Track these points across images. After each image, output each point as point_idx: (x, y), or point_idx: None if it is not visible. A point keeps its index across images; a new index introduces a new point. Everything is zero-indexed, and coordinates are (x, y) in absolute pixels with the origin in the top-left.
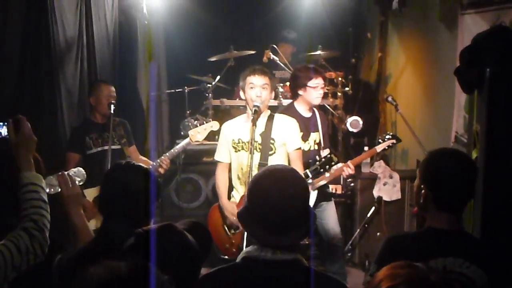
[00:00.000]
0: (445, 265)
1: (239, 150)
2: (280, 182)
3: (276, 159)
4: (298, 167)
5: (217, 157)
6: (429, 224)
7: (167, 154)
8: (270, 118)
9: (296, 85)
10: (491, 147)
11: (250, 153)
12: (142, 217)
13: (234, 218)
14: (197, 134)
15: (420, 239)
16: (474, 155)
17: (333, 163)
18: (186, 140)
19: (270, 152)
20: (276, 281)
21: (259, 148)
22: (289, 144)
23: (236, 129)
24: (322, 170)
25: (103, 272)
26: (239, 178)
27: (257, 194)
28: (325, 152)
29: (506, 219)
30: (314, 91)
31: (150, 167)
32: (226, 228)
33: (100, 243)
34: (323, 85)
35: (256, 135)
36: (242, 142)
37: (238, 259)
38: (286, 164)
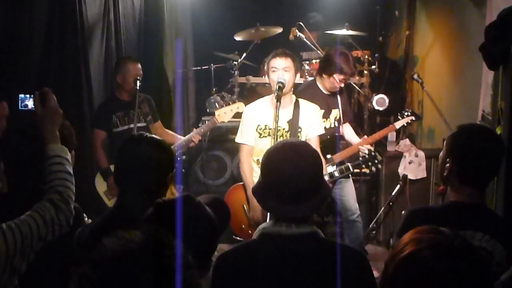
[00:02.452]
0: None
1: (264, 136)
2: (292, 154)
3: (310, 141)
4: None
5: (241, 139)
6: (451, 198)
7: (194, 131)
8: (296, 105)
9: (325, 67)
10: None
11: (275, 140)
12: (158, 189)
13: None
14: (223, 114)
15: (441, 212)
16: (498, 131)
17: (376, 161)
18: (212, 120)
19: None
20: (294, 254)
21: (286, 136)
22: (310, 129)
23: (262, 114)
24: (364, 166)
25: (117, 243)
26: (259, 163)
27: (269, 167)
28: (371, 150)
29: None
30: (336, 83)
31: (179, 141)
32: (245, 209)
33: (117, 216)
34: (346, 82)
35: (283, 122)
36: (269, 129)
37: (255, 235)
38: None
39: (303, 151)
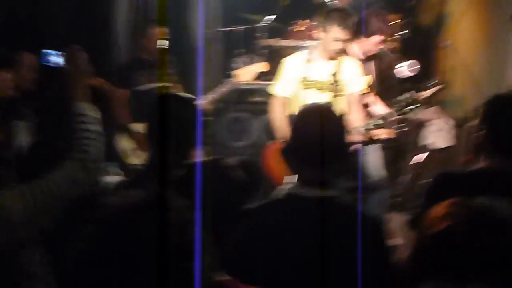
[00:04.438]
0: (492, 203)
1: (309, 88)
2: (318, 119)
3: (342, 101)
4: (357, 109)
5: (277, 90)
6: (482, 165)
7: (211, 92)
8: (340, 59)
9: (360, 29)
10: None
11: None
12: (188, 147)
13: None
14: (242, 74)
15: (469, 177)
16: None
17: (418, 104)
18: (230, 80)
19: (338, 94)
20: (316, 216)
21: (329, 89)
22: (352, 85)
23: (306, 65)
24: (409, 110)
25: (120, 201)
26: None
27: (296, 129)
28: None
29: None
30: (376, 45)
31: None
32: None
33: (149, 175)
34: (384, 44)
35: (328, 75)
36: (316, 82)
37: (281, 195)
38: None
39: (330, 116)
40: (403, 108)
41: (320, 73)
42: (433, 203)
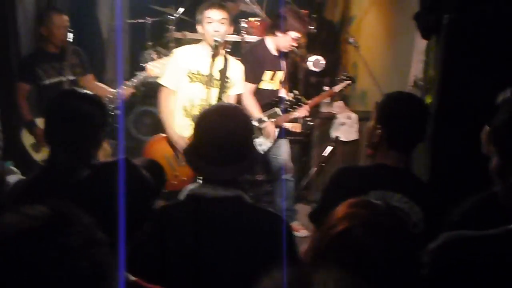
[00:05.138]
0: (384, 197)
1: (194, 82)
2: (223, 118)
3: (228, 98)
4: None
5: (165, 82)
6: (378, 161)
7: (125, 84)
8: (225, 57)
9: (277, 25)
10: (444, 93)
11: (208, 87)
12: (90, 146)
13: None
14: (155, 68)
15: (365, 172)
16: (428, 100)
17: (300, 103)
18: (144, 73)
19: (224, 90)
20: (218, 217)
21: (217, 85)
22: (235, 87)
23: (194, 59)
24: (290, 109)
25: (20, 220)
26: (185, 110)
27: (201, 128)
28: (295, 93)
29: (454, 163)
30: (290, 42)
31: (109, 95)
32: (170, 160)
33: (48, 176)
34: (298, 42)
35: (215, 71)
36: (200, 75)
37: (182, 196)
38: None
39: (235, 115)
40: (288, 107)
41: (205, 67)
42: (330, 198)
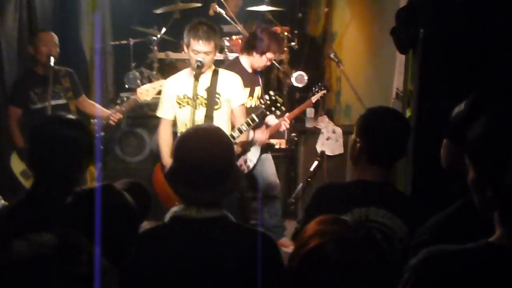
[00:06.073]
0: (367, 214)
1: (184, 106)
2: (203, 140)
3: (221, 114)
4: (241, 122)
5: (160, 113)
6: (358, 177)
7: (115, 109)
8: (215, 73)
9: (254, 46)
10: (422, 107)
11: (194, 108)
12: (75, 173)
13: None
14: (146, 92)
15: (346, 189)
16: (408, 113)
17: (278, 105)
18: (134, 98)
19: (216, 107)
20: (203, 238)
21: (205, 103)
22: (233, 100)
23: (180, 84)
24: (268, 112)
25: (28, 247)
26: None
27: (181, 152)
28: (270, 94)
29: (435, 176)
30: (266, 62)
31: (96, 120)
32: None
33: (32, 204)
34: (273, 60)
35: (201, 90)
36: (188, 98)
37: (166, 219)
38: (229, 119)
39: (214, 137)
40: (265, 110)
41: (190, 89)
42: (312, 217)
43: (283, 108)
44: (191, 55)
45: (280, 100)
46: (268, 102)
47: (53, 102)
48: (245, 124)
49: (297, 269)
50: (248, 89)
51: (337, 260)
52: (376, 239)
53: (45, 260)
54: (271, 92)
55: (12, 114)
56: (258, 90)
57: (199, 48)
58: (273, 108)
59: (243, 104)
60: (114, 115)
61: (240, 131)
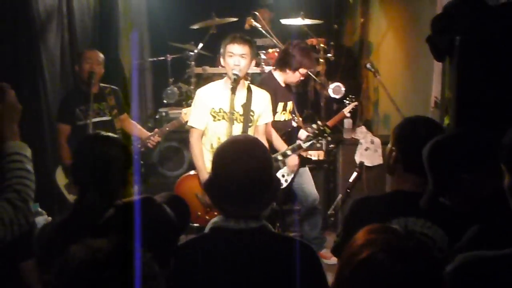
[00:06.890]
0: (407, 224)
1: (218, 120)
2: (242, 155)
3: (253, 131)
4: (264, 140)
5: (193, 123)
6: (395, 187)
7: (158, 131)
8: (249, 89)
9: (286, 62)
10: (460, 114)
11: (231, 123)
12: (117, 187)
13: None
14: (190, 112)
15: (383, 201)
16: (446, 121)
17: (325, 135)
18: (178, 120)
19: (250, 124)
20: (244, 249)
21: (240, 120)
22: (262, 117)
23: (216, 97)
24: (316, 141)
25: (84, 252)
26: (212, 148)
27: (219, 166)
28: (318, 124)
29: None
30: (299, 77)
31: (143, 136)
32: (198, 196)
33: (77, 217)
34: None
35: (237, 106)
36: (223, 112)
37: (207, 229)
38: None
39: (252, 150)
40: (312, 140)
41: (227, 103)
42: (352, 231)
43: (329, 138)
44: (227, 61)
45: (328, 130)
46: (317, 131)
47: (98, 119)
48: (290, 150)
49: (349, 278)
50: (282, 104)
51: (390, 269)
52: (429, 247)
53: (101, 264)
54: (319, 122)
55: (61, 131)
56: (290, 105)
57: (234, 50)
58: (320, 138)
59: (268, 123)
60: (153, 138)
61: (285, 156)
